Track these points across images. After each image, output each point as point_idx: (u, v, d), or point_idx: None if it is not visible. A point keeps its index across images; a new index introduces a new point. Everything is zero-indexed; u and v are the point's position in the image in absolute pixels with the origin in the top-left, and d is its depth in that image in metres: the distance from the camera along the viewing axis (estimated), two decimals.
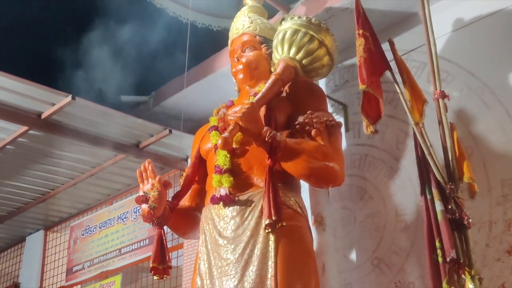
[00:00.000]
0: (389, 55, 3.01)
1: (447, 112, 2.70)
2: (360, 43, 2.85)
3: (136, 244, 5.08)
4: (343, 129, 2.97)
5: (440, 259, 2.46)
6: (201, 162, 3.07)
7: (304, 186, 2.95)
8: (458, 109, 3.19)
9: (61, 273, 5.91)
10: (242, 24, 3.19)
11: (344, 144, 3.51)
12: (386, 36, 3.23)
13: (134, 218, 5.17)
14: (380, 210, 3.43)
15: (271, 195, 2.54)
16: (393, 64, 2.97)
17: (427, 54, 2.78)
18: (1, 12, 5.69)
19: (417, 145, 2.73)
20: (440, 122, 2.68)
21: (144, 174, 2.93)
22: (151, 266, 2.90)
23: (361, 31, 2.88)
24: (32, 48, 6.02)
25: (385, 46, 3.03)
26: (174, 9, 4.50)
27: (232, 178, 2.74)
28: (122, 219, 5.33)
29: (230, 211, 2.70)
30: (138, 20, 4.53)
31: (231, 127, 2.57)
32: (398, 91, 2.87)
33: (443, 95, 2.69)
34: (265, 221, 2.51)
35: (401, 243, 3.27)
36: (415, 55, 3.44)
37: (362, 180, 3.58)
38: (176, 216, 2.96)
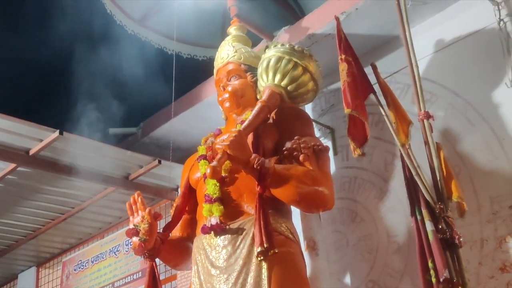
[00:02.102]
0: (372, 79, 3.04)
1: (432, 132, 2.72)
2: (343, 68, 2.88)
3: (129, 277, 5.03)
4: (331, 153, 2.99)
5: (433, 280, 2.44)
6: (191, 192, 3.06)
7: (295, 211, 2.95)
8: (443, 128, 3.22)
9: None
10: (226, 53, 3.22)
11: (333, 167, 3.53)
12: (369, 59, 3.28)
13: (126, 251, 5.14)
14: (372, 232, 3.43)
15: (262, 222, 2.54)
16: (377, 87, 3.00)
17: (410, 76, 2.81)
18: None
19: (404, 166, 2.74)
20: (426, 143, 2.69)
21: (133, 207, 2.92)
22: None
23: (343, 56, 2.91)
24: (17, 85, 6.03)
25: (368, 70, 3.07)
26: (159, 41, 4.54)
27: (222, 206, 2.73)
28: (114, 253, 5.29)
29: (221, 240, 2.69)
30: (124, 53, 4.55)
31: (219, 155, 2.57)
32: (383, 113, 2.89)
33: (428, 116, 2.71)
34: (257, 249, 2.49)
35: (394, 265, 3.27)
36: (399, 77, 3.48)
37: (353, 202, 3.58)
38: (168, 248, 2.95)
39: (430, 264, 2.47)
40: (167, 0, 4.35)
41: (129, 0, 4.39)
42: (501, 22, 3.09)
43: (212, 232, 2.71)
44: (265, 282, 2.50)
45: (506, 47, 3.05)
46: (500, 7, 3.11)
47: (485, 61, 3.17)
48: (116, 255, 5.26)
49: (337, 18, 3.13)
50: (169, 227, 3.02)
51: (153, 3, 4.49)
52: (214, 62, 3.30)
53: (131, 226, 2.87)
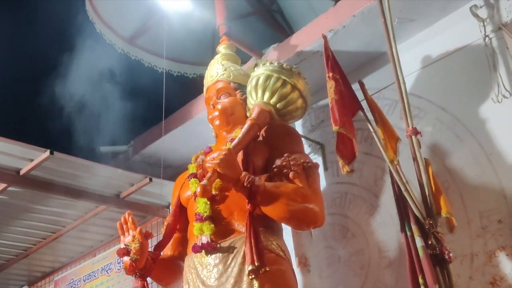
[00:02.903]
0: (360, 95, 3.07)
1: (420, 148, 2.73)
2: (330, 85, 2.90)
3: None
4: (321, 168, 3.00)
5: None
6: (181, 210, 3.07)
7: (287, 228, 2.95)
8: (432, 144, 3.25)
9: None
10: (216, 71, 3.24)
11: (323, 182, 3.55)
12: (357, 75, 3.31)
13: (118, 269, 5.11)
14: (364, 248, 3.44)
15: (252, 240, 2.54)
16: (364, 104, 3.03)
17: (398, 92, 2.83)
18: None
19: (393, 182, 2.75)
20: (415, 159, 2.71)
21: (124, 226, 2.91)
22: None
23: (331, 74, 2.94)
24: (6, 105, 6.02)
25: (356, 86, 3.10)
26: (149, 60, 4.58)
27: (213, 225, 2.74)
28: (106, 271, 5.26)
29: (212, 259, 2.69)
30: (115, 72, 4.57)
31: (209, 174, 2.58)
32: (371, 130, 2.91)
33: (416, 132, 2.73)
34: (248, 267, 2.49)
35: (386, 280, 3.27)
36: (387, 93, 3.51)
37: (344, 218, 3.59)
38: (159, 267, 2.94)
39: (420, 280, 2.48)
40: (157, 19, 4.39)
41: (118, 19, 4.42)
42: (487, 38, 3.13)
43: (203, 251, 2.71)
44: None
45: (492, 63, 3.09)
46: (485, 23, 3.15)
47: (472, 77, 3.20)
48: (108, 273, 5.23)
49: (324, 37, 3.16)
50: (160, 246, 3.02)
51: (142, 22, 4.52)
52: (204, 80, 3.33)
53: (122, 245, 2.87)
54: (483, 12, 3.18)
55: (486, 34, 3.14)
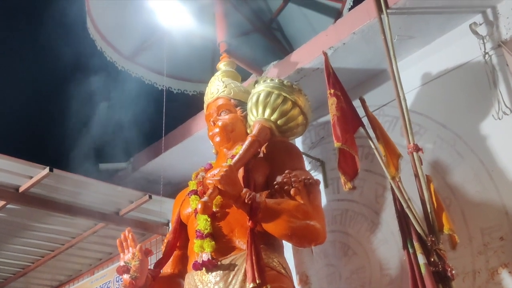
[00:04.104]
0: (361, 112, 3.07)
1: (422, 164, 2.73)
2: (332, 102, 2.91)
3: None
4: (322, 186, 2.99)
5: None
6: (182, 227, 3.05)
7: (287, 245, 2.94)
8: (433, 160, 3.24)
9: None
10: (216, 88, 3.24)
11: (324, 200, 3.54)
12: (358, 92, 3.32)
13: None
14: (365, 265, 3.42)
15: (253, 258, 2.52)
16: (365, 120, 3.03)
17: (398, 109, 2.84)
18: None
19: (395, 199, 2.74)
20: (416, 175, 2.71)
21: (124, 244, 2.89)
22: None
23: (332, 91, 2.95)
24: (6, 122, 6.02)
25: (357, 103, 3.10)
26: (150, 77, 4.58)
27: (213, 242, 2.71)
28: None
29: (213, 277, 2.66)
30: (115, 89, 4.58)
31: (210, 190, 2.56)
32: (373, 146, 2.91)
33: (417, 149, 2.73)
34: (249, 285, 2.47)
35: None
36: (387, 110, 3.52)
37: (345, 235, 3.58)
38: (159, 285, 2.91)
39: None
40: (157, 37, 4.41)
41: (119, 37, 4.44)
42: (486, 55, 3.15)
43: (204, 269, 2.68)
44: None
45: (492, 80, 3.10)
46: (484, 40, 3.17)
47: (472, 94, 3.21)
48: None
49: (325, 54, 3.17)
50: (160, 263, 3.00)
51: (143, 40, 4.54)
52: (204, 97, 3.33)
53: (121, 263, 2.84)
54: (482, 30, 3.20)
55: (486, 51, 3.16)
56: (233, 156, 2.86)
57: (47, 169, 3.88)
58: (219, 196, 2.61)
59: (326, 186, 3.75)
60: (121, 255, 2.88)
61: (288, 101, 2.96)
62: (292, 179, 2.74)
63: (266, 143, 2.97)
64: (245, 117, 3.13)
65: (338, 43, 3.39)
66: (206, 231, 2.74)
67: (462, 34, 3.29)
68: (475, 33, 3.20)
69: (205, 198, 2.53)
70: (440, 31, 3.38)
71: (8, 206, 4.20)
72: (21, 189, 4.07)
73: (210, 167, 3.10)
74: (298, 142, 3.85)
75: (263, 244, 2.65)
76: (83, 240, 4.94)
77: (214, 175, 2.62)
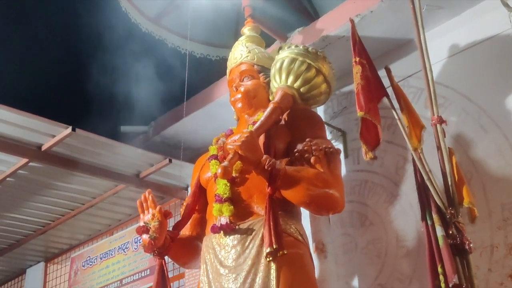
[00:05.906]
0: (386, 82, 3.04)
1: (445, 137, 2.71)
2: (357, 70, 2.88)
3: (137, 274, 5.05)
4: (342, 156, 2.98)
5: (443, 285, 2.43)
6: (201, 191, 3.07)
7: (305, 213, 2.95)
8: (456, 133, 3.21)
9: None
10: (240, 53, 3.22)
11: (343, 170, 3.52)
12: (383, 62, 3.27)
13: (135, 248, 5.15)
14: (381, 236, 3.42)
15: (271, 223, 2.54)
16: (390, 91, 2.99)
17: (424, 80, 2.80)
18: None
19: (416, 170, 2.73)
20: (439, 148, 2.68)
21: (144, 204, 2.93)
22: None
23: (357, 59, 2.91)
24: (31, 80, 6.07)
25: (382, 73, 3.07)
26: (173, 40, 4.55)
27: (232, 206, 2.74)
28: (123, 250, 5.31)
29: (231, 240, 2.69)
30: (138, 51, 4.57)
31: (230, 156, 2.58)
32: (396, 117, 2.88)
33: (441, 121, 2.70)
34: (266, 250, 2.50)
35: (403, 269, 3.26)
36: (412, 81, 3.47)
37: (363, 206, 3.58)
38: (177, 246, 2.96)
39: (439, 270, 2.46)
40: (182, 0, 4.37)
41: None
42: None
43: (222, 232, 2.71)
44: (273, 282, 2.50)
45: None
46: None
47: (499, 67, 3.16)
48: (125, 252, 5.28)
49: (351, 21, 3.13)
50: (179, 226, 3.03)
51: (167, 2, 4.50)
52: (227, 62, 3.31)
53: (141, 223, 2.88)
54: None
55: None
56: (254, 123, 2.86)
57: (69, 129, 3.92)
58: (239, 162, 2.62)
59: (346, 156, 3.74)
60: (141, 215, 2.92)
61: (312, 69, 2.93)
62: (313, 147, 2.74)
63: (288, 111, 2.96)
64: (267, 83, 3.12)
65: (365, 11, 3.34)
66: (225, 196, 2.76)
67: (492, 6, 3.21)
68: (506, 5, 3.11)
69: (225, 163, 2.54)
70: (470, 2, 3.31)
71: (30, 164, 4.26)
72: (43, 148, 4.11)
73: (231, 133, 3.11)
74: (320, 111, 3.83)
75: (281, 211, 2.66)
76: (103, 200, 5.01)
77: (235, 140, 2.63)
